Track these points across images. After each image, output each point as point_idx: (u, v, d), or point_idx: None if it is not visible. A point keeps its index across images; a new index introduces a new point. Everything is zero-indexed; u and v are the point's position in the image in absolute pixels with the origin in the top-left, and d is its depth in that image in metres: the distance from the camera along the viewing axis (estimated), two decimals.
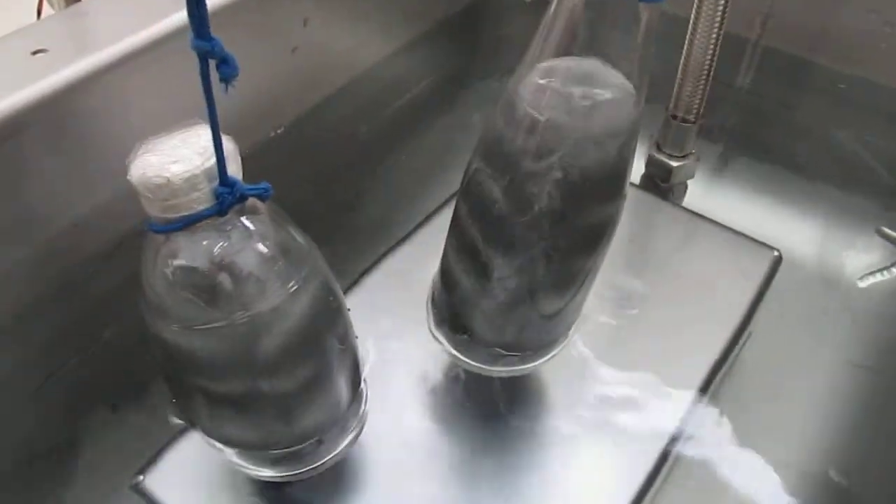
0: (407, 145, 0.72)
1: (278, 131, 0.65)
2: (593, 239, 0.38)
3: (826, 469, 0.51)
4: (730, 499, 0.48)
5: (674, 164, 0.63)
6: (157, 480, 0.43)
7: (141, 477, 0.43)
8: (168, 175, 0.28)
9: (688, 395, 0.48)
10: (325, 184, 0.65)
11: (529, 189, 0.35)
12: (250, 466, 0.39)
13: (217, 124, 0.28)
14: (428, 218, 0.58)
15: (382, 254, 0.55)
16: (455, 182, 0.40)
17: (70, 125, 0.44)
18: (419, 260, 0.48)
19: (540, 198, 0.35)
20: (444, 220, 0.43)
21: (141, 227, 0.31)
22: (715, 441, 0.50)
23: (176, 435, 0.45)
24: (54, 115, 0.43)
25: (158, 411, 0.47)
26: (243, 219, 0.31)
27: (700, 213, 0.60)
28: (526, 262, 0.38)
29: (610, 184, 0.36)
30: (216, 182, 0.29)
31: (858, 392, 0.55)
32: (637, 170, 0.66)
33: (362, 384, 0.41)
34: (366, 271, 0.54)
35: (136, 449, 0.45)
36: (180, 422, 0.39)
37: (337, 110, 0.70)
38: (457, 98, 0.78)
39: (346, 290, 0.52)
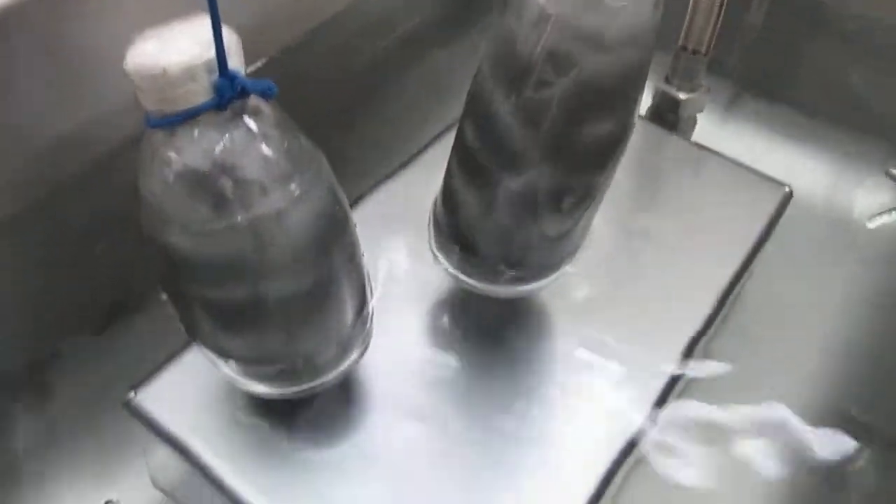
0: (408, 73, 0.71)
1: (272, 56, 0.63)
2: (602, 154, 0.37)
3: (832, 404, 0.50)
4: (729, 437, 0.48)
5: (683, 96, 0.62)
6: (149, 398, 0.42)
7: (133, 394, 0.42)
8: (164, 65, 0.27)
9: (691, 327, 0.47)
10: (322, 110, 0.63)
11: (538, 96, 0.33)
12: (249, 382, 0.38)
13: (217, 11, 0.27)
14: (430, 143, 0.56)
15: (383, 177, 0.54)
16: (458, 110, 0.39)
17: (63, 27, 0.42)
18: (421, 183, 0.46)
19: (549, 106, 0.33)
20: (446, 144, 0.41)
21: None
22: (718, 377, 0.50)
23: (171, 354, 0.44)
24: (45, 15, 0.41)
25: (151, 327, 0.46)
26: (245, 118, 0.30)
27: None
28: (532, 177, 0.36)
29: (624, 94, 0.35)
30: (216, 75, 0.28)
31: (864, 331, 0.54)
32: (645, 103, 0.65)
33: (369, 303, 0.39)
34: (366, 193, 0.53)
35: (125, 366, 0.44)
36: (181, 335, 0.38)
37: (337, 35, 0.68)
38: (464, 24, 0.76)
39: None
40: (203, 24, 0.28)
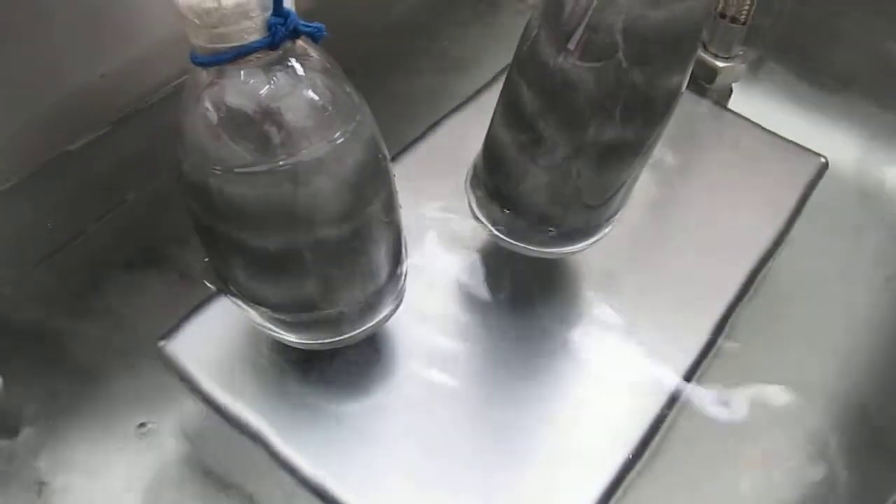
0: (452, 25, 0.70)
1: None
2: (654, 110, 0.36)
3: (862, 379, 0.50)
4: (754, 409, 0.47)
5: (721, 64, 0.61)
6: (179, 346, 0.42)
7: (163, 342, 0.42)
8: None
9: (724, 298, 0.47)
10: (359, 63, 0.62)
11: (596, 48, 0.33)
12: (279, 330, 0.38)
13: None
14: (471, 97, 0.56)
15: (424, 132, 0.54)
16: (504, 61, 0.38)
17: None
18: (463, 137, 0.46)
19: (606, 57, 0.33)
20: (489, 99, 0.41)
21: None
22: (750, 347, 0.49)
23: (200, 303, 0.43)
24: None
25: (182, 276, 0.46)
26: (293, 61, 0.29)
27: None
28: (581, 133, 0.36)
29: (679, 47, 0.34)
30: (269, 12, 0.27)
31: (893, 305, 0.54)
32: None
33: (404, 258, 0.39)
34: (407, 147, 0.52)
35: (157, 313, 0.44)
36: (209, 286, 0.38)
37: None
38: None
39: None
40: None
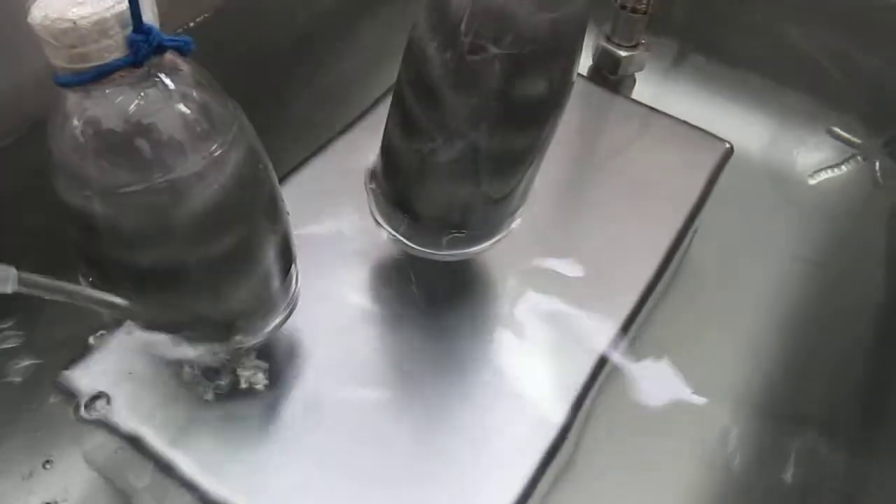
0: (337, 43, 0.69)
1: (201, 18, 0.62)
2: (542, 114, 0.36)
3: (772, 358, 0.50)
4: (674, 394, 0.48)
5: (622, 53, 0.61)
6: (82, 375, 0.41)
7: (66, 372, 0.41)
8: (74, 17, 0.25)
9: (634, 289, 0.47)
10: (248, 83, 0.62)
11: (475, 57, 0.33)
12: (173, 345, 0.37)
13: None
14: (367, 110, 0.55)
15: (321, 145, 0.53)
16: (390, 79, 0.38)
17: None
18: (361, 149, 0.45)
19: (485, 67, 0.33)
20: (383, 110, 0.40)
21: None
22: (662, 334, 0.50)
23: (99, 328, 0.42)
24: None
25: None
26: (162, 75, 0.28)
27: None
28: (471, 138, 0.36)
29: (561, 53, 0.34)
30: (130, 29, 0.26)
31: (806, 285, 0.55)
32: (585, 63, 0.64)
33: (293, 263, 0.38)
34: (303, 162, 0.52)
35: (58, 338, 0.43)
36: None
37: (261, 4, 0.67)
38: None
39: (283, 180, 0.49)
40: None
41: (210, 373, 0.41)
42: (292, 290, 0.39)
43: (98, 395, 0.40)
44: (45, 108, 0.29)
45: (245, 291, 0.35)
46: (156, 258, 0.31)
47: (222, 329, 0.36)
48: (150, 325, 0.35)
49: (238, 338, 0.37)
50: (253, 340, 0.39)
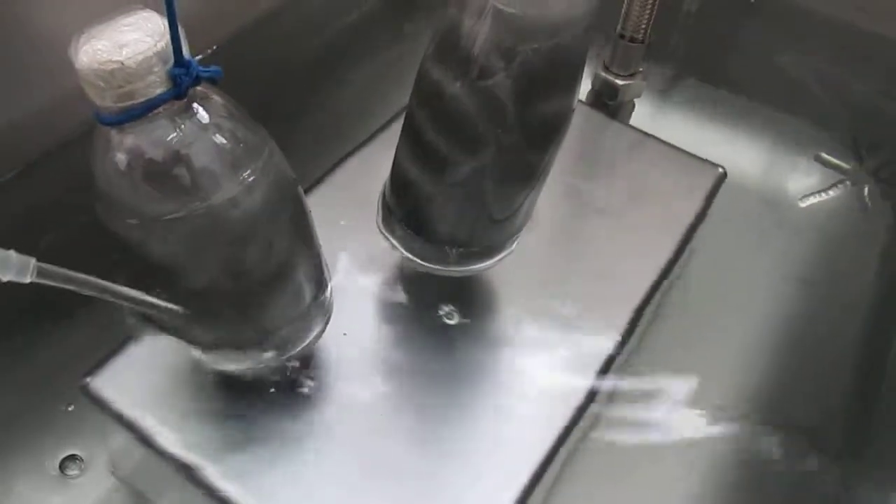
0: (355, 63, 0.72)
1: (214, 48, 0.63)
2: (545, 137, 0.39)
3: (764, 373, 0.53)
4: (668, 409, 0.50)
5: (620, 82, 0.63)
6: (105, 382, 0.42)
7: (88, 379, 0.42)
8: (121, 58, 0.27)
9: (630, 307, 0.49)
10: (268, 102, 0.64)
11: (483, 83, 0.35)
12: (209, 358, 0.39)
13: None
14: (379, 129, 0.57)
15: (335, 164, 0.55)
16: (404, 99, 0.41)
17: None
18: (372, 168, 0.47)
19: (494, 92, 0.35)
20: (396, 131, 0.43)
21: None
22: (655, 355, 0.52)
23: (125, 339, 0.44)
24: None
25: (103, 320, 0.46)
26: (196, 106, 0.30)
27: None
28: (477, 160, 0.38)
29: (564, 79, 0.37)
30: (170, 63, 0.28)
31: (797, 304, 0.57)
32: (584, 88, 0.66)
33: (328, 284, 0.41)
34: (319, 179, 0.54)
35: (80, 357, 0.44)
36: (133, 324, 0.39)
37: (281, 26, 0.69)
38: (409, 14, 0.77)
39: None
40: (144, 15, 0.29)
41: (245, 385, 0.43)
42: (326, 307, 0.41)
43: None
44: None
45: (280, 312, 0.38)
46: (193, 280, 0.33)
47: (255, 346, 0.39)
48: (186, 339, 0.37)
49: (275, 352, 0.40)
50: (290, 355, 0.41)
